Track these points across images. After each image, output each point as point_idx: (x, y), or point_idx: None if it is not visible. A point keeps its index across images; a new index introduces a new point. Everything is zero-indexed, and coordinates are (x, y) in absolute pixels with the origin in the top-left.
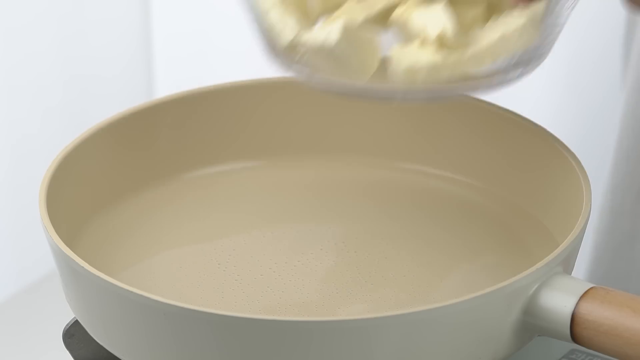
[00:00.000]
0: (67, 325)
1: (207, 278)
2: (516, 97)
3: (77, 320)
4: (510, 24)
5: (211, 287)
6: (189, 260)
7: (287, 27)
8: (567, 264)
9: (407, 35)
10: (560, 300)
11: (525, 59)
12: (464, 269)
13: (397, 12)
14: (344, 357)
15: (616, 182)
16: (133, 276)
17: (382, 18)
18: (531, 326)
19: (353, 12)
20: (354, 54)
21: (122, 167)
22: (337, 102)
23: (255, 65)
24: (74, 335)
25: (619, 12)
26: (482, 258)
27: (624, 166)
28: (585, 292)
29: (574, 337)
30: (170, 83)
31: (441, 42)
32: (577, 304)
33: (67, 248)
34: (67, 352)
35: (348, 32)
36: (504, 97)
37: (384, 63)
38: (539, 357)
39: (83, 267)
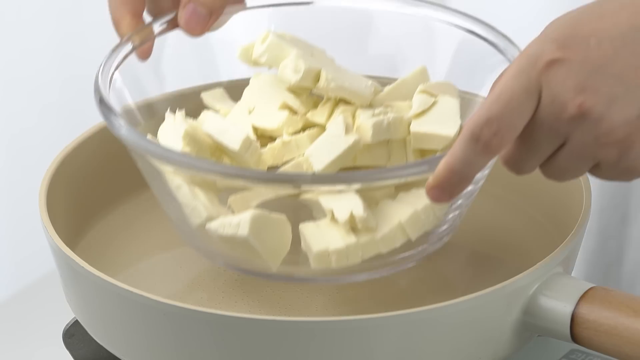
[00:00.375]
0: (67, 325)
1: (207, 278)
2: None
3: (77, 320)
4: (420, 201)
5: (211, 287)
6: (189, 260)
7: (197, 208)
8: (567, 264)
9: (317, 212)
10: (560, 300)
11: (437, 235)
12: (464, 268)
13: (307, 195)
14: (344, 357)
15: (603, 204)
16: (133, 276)
17: (293, 196)
18: (531, 326)
19: (263, 194)
20: (265, 243)
21: (122, 167)
22: None
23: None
24: (74, 335)
25: None
26: (482, 258)
27: (610, 188)
28: (585, 292)
29: (574, 337)
30: None
31: (352, 224)
32: (577, 304)
33: (67, 248)
34: (67, 352)
35: (257, 223)
36: None
37: (298, 240)
38: (539, 357)
39: (83, 267)
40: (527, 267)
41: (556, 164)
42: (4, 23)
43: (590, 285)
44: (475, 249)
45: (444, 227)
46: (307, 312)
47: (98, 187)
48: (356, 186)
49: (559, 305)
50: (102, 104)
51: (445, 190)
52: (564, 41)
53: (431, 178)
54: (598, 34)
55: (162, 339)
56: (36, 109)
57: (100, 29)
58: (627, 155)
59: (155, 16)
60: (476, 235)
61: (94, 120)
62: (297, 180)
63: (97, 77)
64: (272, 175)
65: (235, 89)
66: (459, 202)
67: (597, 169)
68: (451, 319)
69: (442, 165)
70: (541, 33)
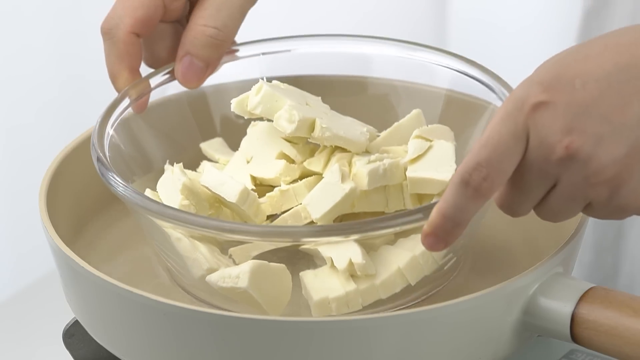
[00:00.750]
0: (67, 325)
1: None
2: None
3: (77, 320)
4: (419, 246)
5: (211, 287)
6: None
7: (198, 260)
8: (567, 264)
9: (317, 259)
10: (560, 300)
11: (436, 278)
12: (465, 268)
13: (306, 245)
14: (344, 357)
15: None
16: (133, 276)
17: (293, 246)
18: (531, 326)
19: (263, 245)
20: (265, 293)
21: None
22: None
23: (255, 66)
24: (74, 335)
25: None
26: (482, 258)
27: None
28: (586, 292)
29: (574, 337)
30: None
31: (351, 271)
32: (577, 304)
33: (67, 248)
34: (67, 352)
35: (257, 274)
36: None
37: (298, 289)
38: (539, 357)
39: (83, 267)
40: (527, 267)
41: (549, 206)
42: (2, 21)
43: (590, 285)
44: (475, 249)
45: (440, 275)
46: (307, 312)
47: (98, 188)
48: (353, 237)
49: (559, 305)
50: (100, 162)
51: (439, 237)
52: (549, 84)
53: (425, 225)
54: (583, 75)
55: (162, 339)
56: (35, 107)
57: (99, 28)
58: (617, 193)
59: (152, 66)
60: (476, 235)
61: (93, 119)
62: (295, 234)
63: (93, 133)
64: (270, 230)
65: (233, 138)
66: (454, 252)
67: (589, 209)
68: (451, 319)
69: (434, 212)
70: (527, 77)
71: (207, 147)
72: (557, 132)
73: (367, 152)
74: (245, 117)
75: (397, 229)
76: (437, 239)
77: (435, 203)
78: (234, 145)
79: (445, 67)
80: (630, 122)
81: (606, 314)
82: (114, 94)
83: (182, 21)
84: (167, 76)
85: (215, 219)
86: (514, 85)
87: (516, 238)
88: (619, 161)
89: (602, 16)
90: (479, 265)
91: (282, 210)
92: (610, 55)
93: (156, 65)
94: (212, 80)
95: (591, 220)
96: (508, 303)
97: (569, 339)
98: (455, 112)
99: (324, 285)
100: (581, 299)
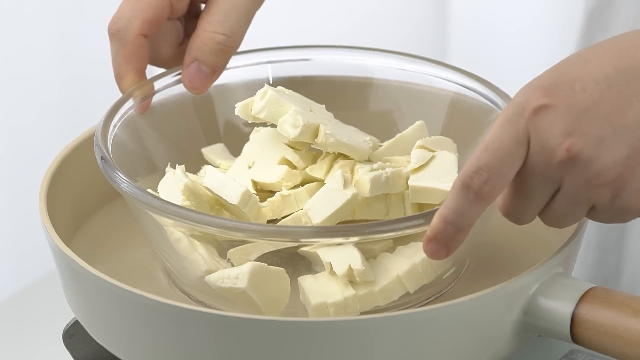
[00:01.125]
0: (67, 325)
1: None
2: None
3: (77, 320)
4: (418, 255)
5: (211, 287)
6: None
7: (197, 261)
8: (567, 265)
9: (316, 265)
10: (560, 301)
11: (435, 287)
12: (465, 268)
13: (305, 248)
14: (344, 357)
15: None
16: (133, 276)
17: (292, 249)
18: (531, 326)
19: (262, 247)
20: (263, 295)
21: None
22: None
23: (261, 73)
24: (74, 335)
25: None
26: (483, 258)
27: None
28: (586, 292)
29: (574, 337)
30: None
31: (350, 277)
32: (577, 304)
33: (67, 248)
34: (67, 352)
35: (256, 275)
36: None
37: (296, 292)
38: (539, 357)
39: (83, 267)
40: (527, 267)
41: (553, 211)
42: (4, 21)
43: (591, 285)
44: (475, 249)
45: (439, 284)
46: (304, 315)
47: (98, 187)
48: (353, 239)
49: (559, 305)
50: (103, 160)
51: (441, 243)
52: (549, 88)
53: (428, 231)
54: (583, 79)
55: (162, 339)
56: (35, 107)
57: (101, 28)
58: (620, 195)
59: (152, 63)
60: (477, 247)
61: (93, 119)
62: (295, 234)
63: (97, 132)
64: (270, 229)
65: (235, 143)
66: (455, 262)
67: (593, 212)
68: (451, 319)
69: (436, 217)
70: (527, 83)
71: (208, 152)
72: (558, 135)
73: (369, 160)
74: (249, 122)
75: (399, 233)
76: (439, 245)
77: (437, 209)
78: (237, 151)
79: (448, 80)
80: (631, 123)
81: (606, 314)
82: (115, 94)
83: (180, 18)
84: (172, 79)
85: (217, 217)
86: (515, 90)
87: (516, 238)
88: (620, 163)
89: (605, 17)
90: (478, 265)
91: (283, 215)
92: (609, 58)
93: (157, 62)
94: (217, 83)
95: (595, 222)
96: (508, 303)
97: (569, 339)
98: (458, 125)
99: (323, 289)
100: (581, 299)
